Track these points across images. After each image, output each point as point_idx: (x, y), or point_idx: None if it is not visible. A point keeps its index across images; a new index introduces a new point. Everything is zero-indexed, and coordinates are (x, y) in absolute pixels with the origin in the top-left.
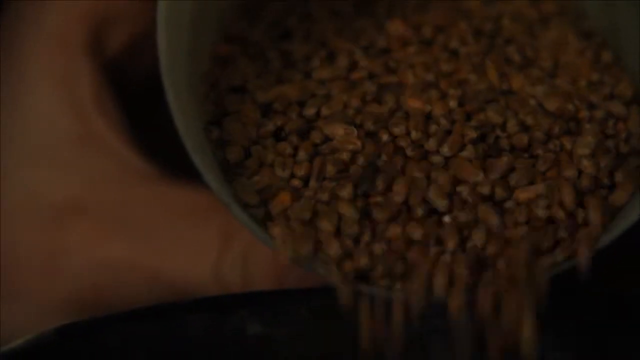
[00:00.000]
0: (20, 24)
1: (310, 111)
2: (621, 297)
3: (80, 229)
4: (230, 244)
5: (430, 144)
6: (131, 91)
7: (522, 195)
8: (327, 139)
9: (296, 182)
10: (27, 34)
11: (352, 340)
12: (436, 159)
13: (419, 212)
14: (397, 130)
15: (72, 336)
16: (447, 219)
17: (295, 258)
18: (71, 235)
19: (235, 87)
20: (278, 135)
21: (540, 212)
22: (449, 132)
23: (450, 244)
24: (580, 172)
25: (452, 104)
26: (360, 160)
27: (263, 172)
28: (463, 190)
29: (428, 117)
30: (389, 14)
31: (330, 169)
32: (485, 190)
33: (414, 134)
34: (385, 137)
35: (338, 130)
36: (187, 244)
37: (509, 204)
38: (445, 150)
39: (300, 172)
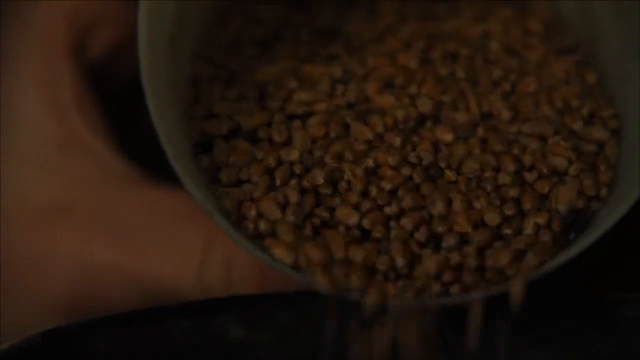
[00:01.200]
0: (4, 28)
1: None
2: (602, 299)
3: (64, 232)
4: (213, 247)
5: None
6: (113, 94)
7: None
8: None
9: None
10: (12, 38)
11: (334, 344)
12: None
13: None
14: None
15: (56, 340)
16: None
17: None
18: (55, 238)
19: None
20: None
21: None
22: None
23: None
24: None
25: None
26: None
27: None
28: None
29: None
30: (365, 39)
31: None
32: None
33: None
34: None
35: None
36: (169, 247)
37: None
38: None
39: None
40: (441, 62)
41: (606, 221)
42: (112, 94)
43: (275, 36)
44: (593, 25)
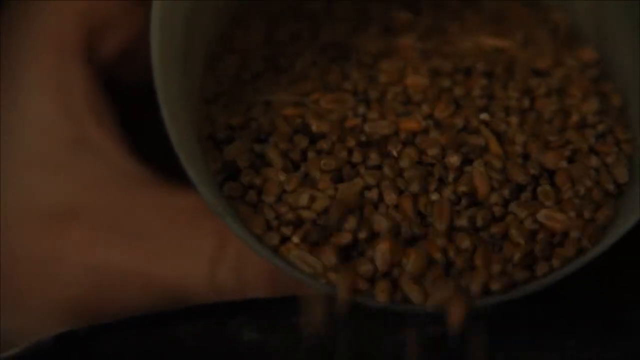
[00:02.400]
0: (15, 28)
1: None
2: (611, 303)
3: (74, 234)
4: (224, 249)
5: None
6: (124, 96)
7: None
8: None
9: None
10: (22, 38)
11: (347, 347)
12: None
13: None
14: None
15: (70, 344)
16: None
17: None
18: (65, 241)
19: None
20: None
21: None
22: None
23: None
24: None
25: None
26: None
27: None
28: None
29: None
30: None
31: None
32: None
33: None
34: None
35: None
36: (181, 249)
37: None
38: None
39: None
40: (454, 79)
41: (608, 239)
42: (123, 95)
43: (285, 54)
44: (602, 16)
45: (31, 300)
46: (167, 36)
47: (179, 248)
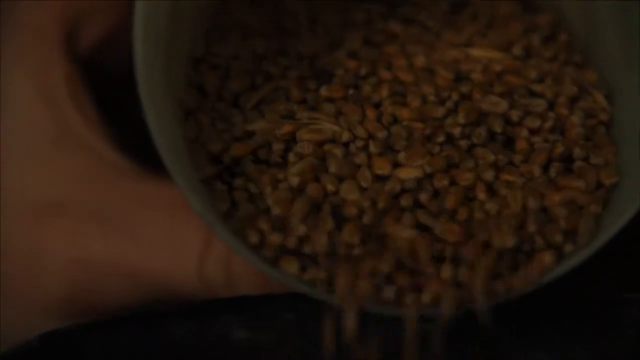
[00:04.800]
0: None
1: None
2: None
3: (60, 228)
4: (212, 242)
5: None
6: (106, 86)
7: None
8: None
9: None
10: (2, 29)
11: (337, 345)
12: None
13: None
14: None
15: (55, 343)
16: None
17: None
18: (51, 234)
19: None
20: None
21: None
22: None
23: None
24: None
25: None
26: None
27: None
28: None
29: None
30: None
31: None
32: None
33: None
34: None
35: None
36: (168, 241)
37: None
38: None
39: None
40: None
41: (600, 237)
42: (104, 86)
43: (265, 72)
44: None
45: (18, 294)
46: (150, 32)
47: (166, 241)
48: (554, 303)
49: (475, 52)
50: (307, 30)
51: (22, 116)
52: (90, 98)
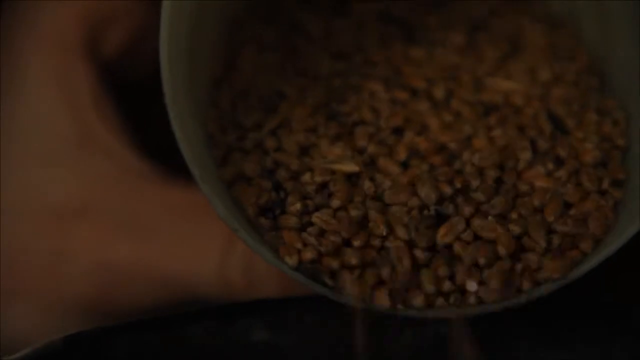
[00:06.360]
0: (17, 24)
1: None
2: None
3: (81, 232)
4: (234, 244)
5: None
6: (129, 91)
7: None
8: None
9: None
10: (25, 34)
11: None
12: None
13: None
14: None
15: (79, 345)
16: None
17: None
18: (73, 238)
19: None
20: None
21: None
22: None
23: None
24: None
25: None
26: None
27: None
28: None
29: None
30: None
31: None
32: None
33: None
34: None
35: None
36: (190, 244)
37: None
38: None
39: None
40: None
41: (610, 246)
42: (127, 91)
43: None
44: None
45: (39, 297)
46: (174, 35)
47: (188, 244)
48: (568, 306)
49: (498, 83)
50: (322, 50)
51: (47, 121)
52: (112, 103)
